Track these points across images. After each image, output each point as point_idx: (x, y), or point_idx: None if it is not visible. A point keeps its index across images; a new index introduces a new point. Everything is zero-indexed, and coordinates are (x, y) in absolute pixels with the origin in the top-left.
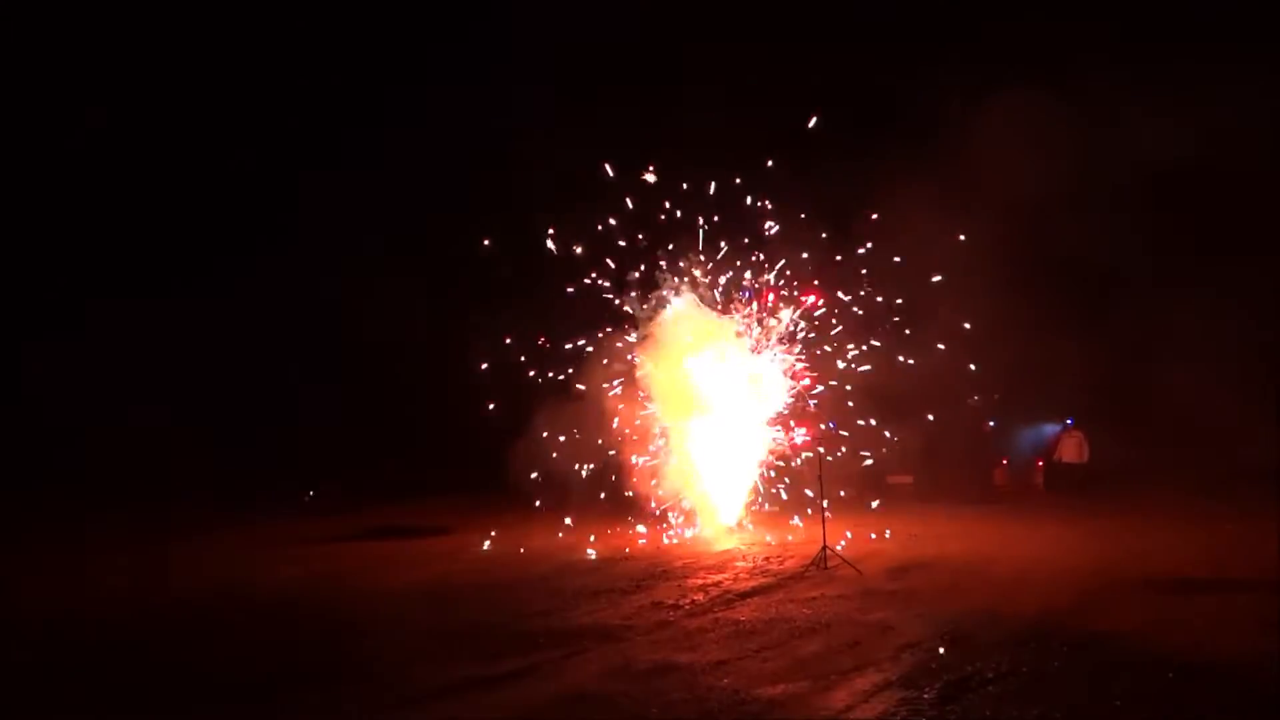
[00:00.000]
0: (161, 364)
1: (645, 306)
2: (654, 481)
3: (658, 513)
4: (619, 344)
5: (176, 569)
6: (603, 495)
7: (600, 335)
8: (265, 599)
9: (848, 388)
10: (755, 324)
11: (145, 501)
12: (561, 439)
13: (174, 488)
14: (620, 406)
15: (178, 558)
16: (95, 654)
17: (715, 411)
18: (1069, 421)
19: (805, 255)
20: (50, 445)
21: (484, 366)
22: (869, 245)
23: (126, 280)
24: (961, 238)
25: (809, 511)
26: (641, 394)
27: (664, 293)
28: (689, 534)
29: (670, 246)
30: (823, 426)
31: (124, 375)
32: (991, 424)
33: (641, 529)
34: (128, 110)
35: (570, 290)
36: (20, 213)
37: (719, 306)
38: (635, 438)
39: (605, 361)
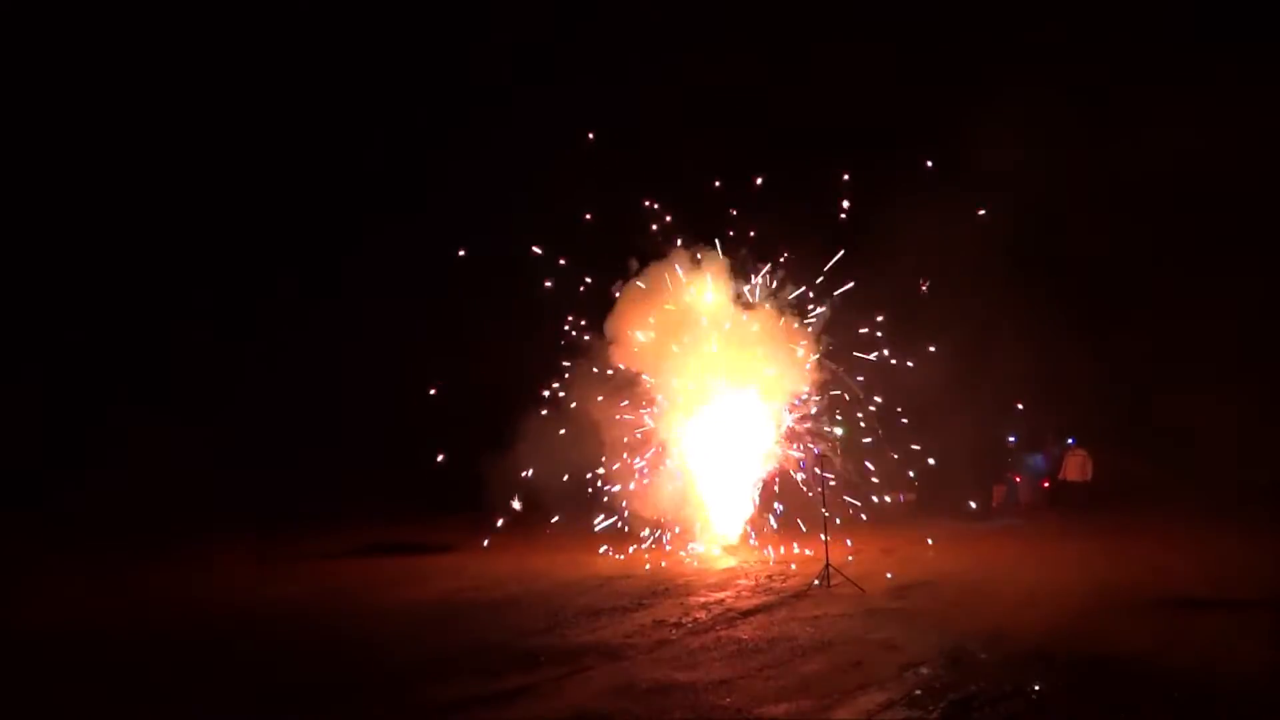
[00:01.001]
0: (155, 371)
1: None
2: (649, 497)
3: (654, 533)
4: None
5: (175, 586)
6: (599, 514)
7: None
8: (266, 616)
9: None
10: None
11: (143, 518)
12: (551, 455)
13: (173, 504)
14: (615, 414)
15: (177, 574)
16: (93, 673)
17: (723, 413)
18: (1072, 441)
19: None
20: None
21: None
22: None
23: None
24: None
25: (806, 528)
26: (626, 368)
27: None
28: (691, 549)
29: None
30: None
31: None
32: (1012, 440)
33: (638, 546)
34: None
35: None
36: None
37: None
38: (627, 456)
39: (594, 370)
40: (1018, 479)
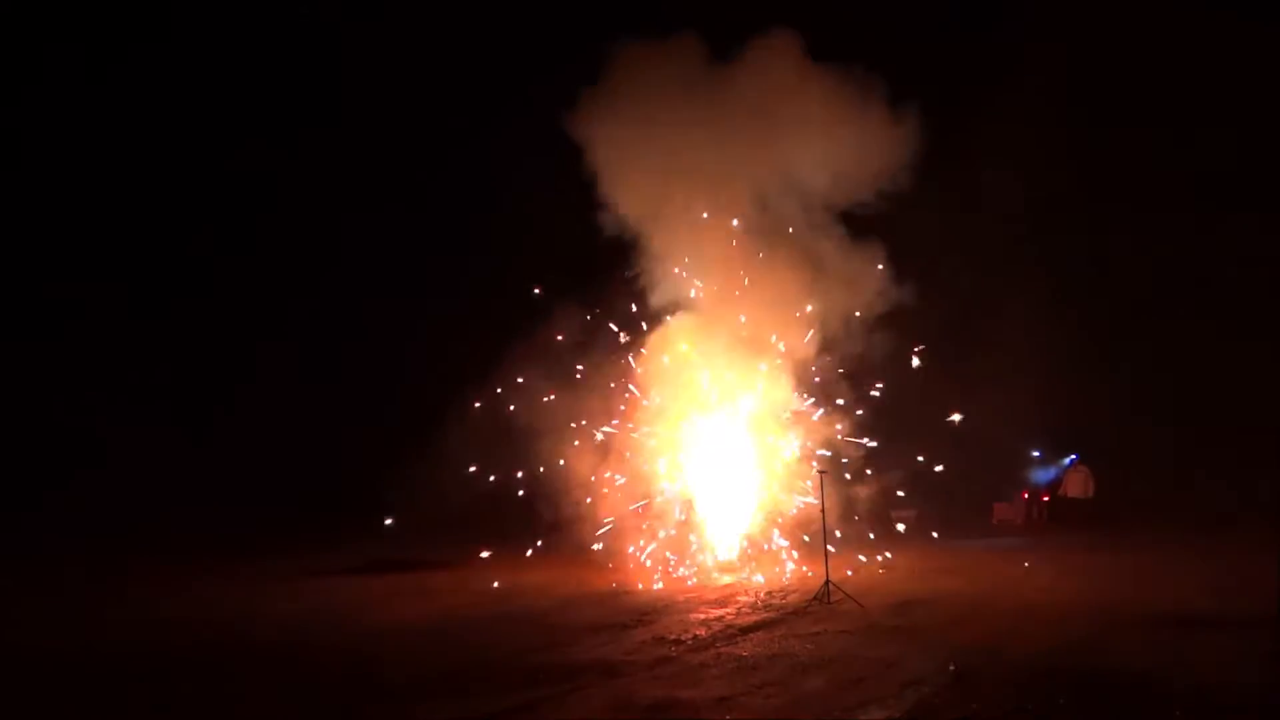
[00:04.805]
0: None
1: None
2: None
3: (649, 551)
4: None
5: (173, 605)
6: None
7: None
8: (264, 635)
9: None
10: None
11: (137, 534)
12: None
13: (167, 520)
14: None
15: (174, 593)
16: (85, 694)
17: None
18: (1074, 457)
19: None
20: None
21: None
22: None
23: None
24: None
25: (805, 542)
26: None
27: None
28: (686, 571)
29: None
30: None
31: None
32: (1037, 454)
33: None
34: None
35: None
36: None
37: None
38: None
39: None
40: (1024, 495)
